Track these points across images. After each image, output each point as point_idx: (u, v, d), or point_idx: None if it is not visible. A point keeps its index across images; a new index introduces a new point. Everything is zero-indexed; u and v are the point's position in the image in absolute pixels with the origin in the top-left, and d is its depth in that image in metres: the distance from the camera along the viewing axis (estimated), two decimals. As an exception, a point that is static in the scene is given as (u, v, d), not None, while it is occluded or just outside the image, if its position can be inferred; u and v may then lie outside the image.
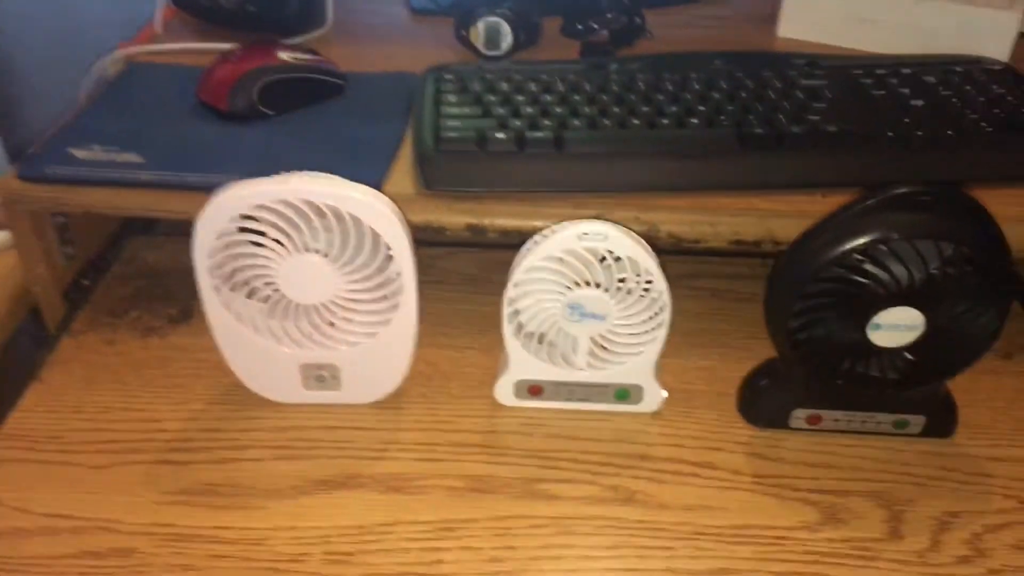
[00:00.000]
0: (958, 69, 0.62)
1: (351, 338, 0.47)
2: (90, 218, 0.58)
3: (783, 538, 0.43)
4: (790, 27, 0.73)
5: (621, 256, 0.44)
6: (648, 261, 0.44)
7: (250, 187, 0.42)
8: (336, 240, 0.44)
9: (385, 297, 0.46)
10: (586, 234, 0.44)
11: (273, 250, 0.44)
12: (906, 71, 0.61)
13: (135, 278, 0.59)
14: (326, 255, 0.44)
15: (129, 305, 0.57)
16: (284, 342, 0.47)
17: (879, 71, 0.61)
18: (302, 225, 0.43)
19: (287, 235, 0.43)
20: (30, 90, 1.01)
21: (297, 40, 0.70)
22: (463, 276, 0.61)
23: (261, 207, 0.43)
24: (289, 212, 0.43)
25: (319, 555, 0.42)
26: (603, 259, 0.45)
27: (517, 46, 0.69)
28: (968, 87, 0.59)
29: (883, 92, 0.59)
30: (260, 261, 0.44)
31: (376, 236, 0.44)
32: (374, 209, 0.43)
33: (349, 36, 0.73)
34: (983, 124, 0.55)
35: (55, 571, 0.41)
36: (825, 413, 0.48)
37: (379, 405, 0.50)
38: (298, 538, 0.43)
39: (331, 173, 0.44)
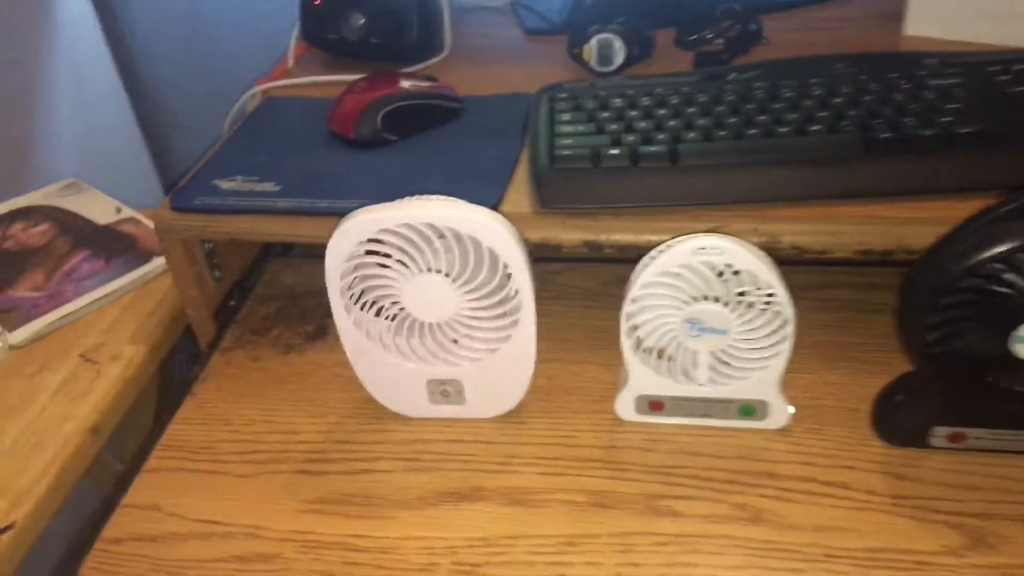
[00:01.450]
0: (1108, 58, 0.57)
1: (473, 354, 0.49)
2: (234, 243, 0.63)
3: (924, 564, 0.41)
4: (917, 25, 0.69)
5: (740, 269, 0.44)
6: (768, 273, 0.43)
7: (375, 212, 0.44)
8: (456, 260, 0.45)
9: (504, 314, 0.47)
10: (703, 248, 0.44)
11: (398, 271, 0.46)
12: (1049, 64, 0.57)
13: (276, 299, 0.63)
14: (447, 275, 0.46)
15: (271, 324, 0.61)
16: (411, 358, 0.49)
17: (1017, 67, 0.57)
18: (424, 247, 0.45)
19: (410, 256, 0.45)
20: (180, 127, 1.10)
21: (418, 67, 0.73)
22: (581, 291, 0.61)
23: (386, 231, 0.45)
24: (411, 235, 0.45)
25: (447, 565, 0.43)
26: (721, 273, 0.44)
27: (630, 61, 0.69)
28: (1121, 77, 0.55)
29: (1021, 89, 0.55)
30: (386, 282, 0.46)
31: (494, 255, 0.45)
32: (491, 229, 0.44)
33: (466, 61, 0.75)
34: None
35: (206, 573, 0.44)
36: (968, 431, 0.45)
37: (501, 419, 0.51)
38: (427, 548, 0.44)
39: (451, 194, 0.45)
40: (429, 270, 0.46)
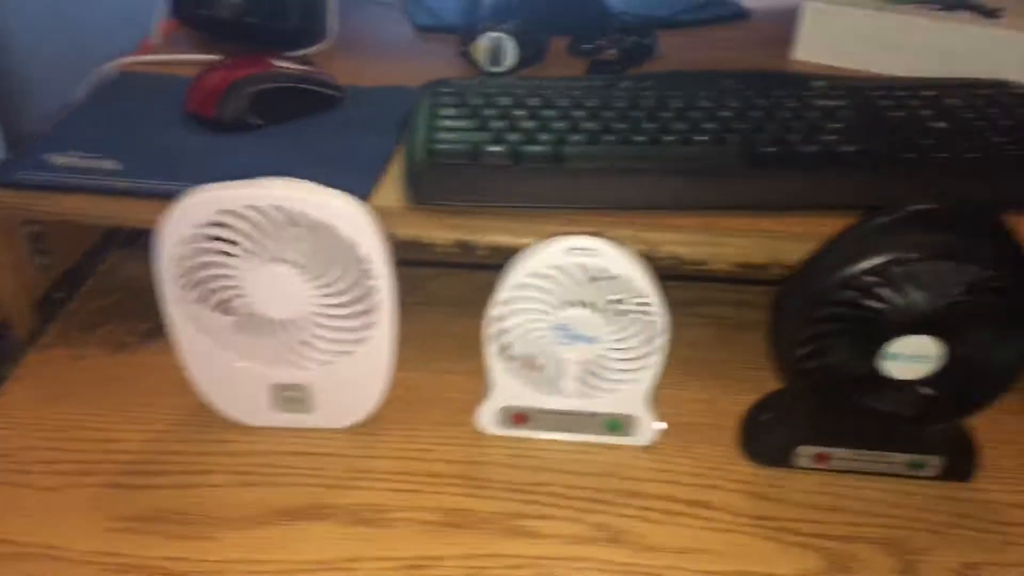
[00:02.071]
0: (982, 92, 0.59)
1: (323, 357, 0.44)
2: (69, 228, 0.56)
3: (783, 588, 0.39)
4: (807, 50, 0.70)
5: (614, 274, 0.41)
6: (644, 280, 0.41)
7: (217, 191, 0.40)
8: (309, 251, 0.41)
9: (360, 314, 0.43)
10: (576, 249, 0.41)
11: (242, 259, 0.41)
12: (927, 93, 0.58)
13: (112, 292, 0.57)
14: (298, 266, 0.41)
15: (102, 319, 0.54)
16: (253, 359, 0.44)
17: (899, 93, 0.58)
18: (272, 233, 0.40)
19: (256, 243, 0.41)
20: (35, 104, 1.01)
21: (296, 54, 0.68)
22: (452, 298, 0.58)
23: (228, 213, 0.40)
24: (258, 218, 0.40)
25: (275, 591, 0.38)
26: (595, 277, 0.41)
27: (522, 64, 0.66)
28: (993, 109, 0.56)
29: (903, 114, 0.56)
30: (228, 271, 0.41)
31: (352, 247, 0.41)
32: (350, 218, 0.40)
33: (351, 51, 0.71)
34: (1010, 147, 0.52)
35: (-10, 600, 0.38)
36: (833, 451, 0.44)
37: (353, 430, 0.47)
38: (255, 572, 0.39)
39: (316, 184, 0.41)
40: (277, 260, 0.41)
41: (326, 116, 0.59)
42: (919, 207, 0.39)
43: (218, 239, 0.41)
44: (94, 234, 0.61)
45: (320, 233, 0.41)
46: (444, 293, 0.58)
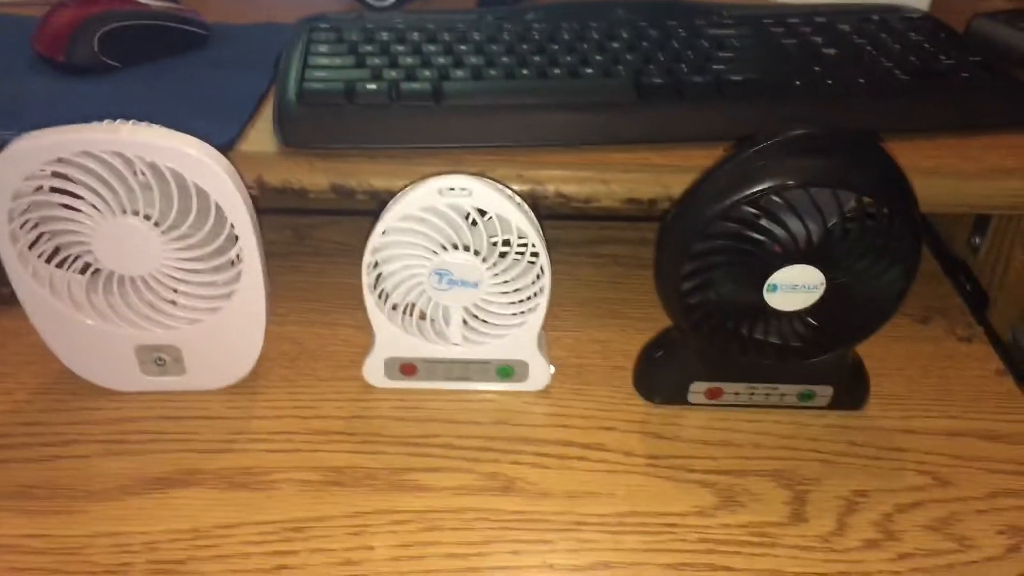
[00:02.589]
0: (875, 18, 0.58)
1: (190, 315, 0.41)
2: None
3: (673, 525, 0.39)
4: (703, -22, 0.68)
5: (491, 214, 0.39)
6: (521, 220, 0.39)
7: (45, 138, 0.36)
8: (157, 200, 0.38)
9: (223, 267, 0.40)
10: (449, 189, 0.39)
11: (85, 213, 0.38)
12: (820, 20, 0.57)
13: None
14: (147, 217, 0.38)
15: (-45, 285, 0.50)
16: (112, 320, 0.41)
17: (791, 20, 0.57)
18: (114, 183, 0.37)
19: (98, 195, 0.37)
20: None
21: (161, -11, 0.63)
22: (340, 246, 0.55)
23: (63, 161, 0.36)
24: (97, 167, 0.37)
25: (142, 564, 0.36)
26: (471, 219, 0.39)
27: (407, -4, 0.63)
28: (884, 35, 0.55)
29: (794, 41, 0.55)
30: (70, 226, 0.38)
31: (204, 195, 0.38)
32: (196, 162, 0.37)
33: (225, -14, 0.66)
34: (897, 72, 0.51)
35: None
36: (725, 386, 0.44)
37: (232, 391, 0.44)
38: (120, 545, 0.37)
39: (179, 130, 0.37)
40: (124, 212, 0.38)
41: (190, 56, 0.55)
42: (795, 132, 0.37)
43: (58, 191, 0.37)
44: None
45: (168, 182, 0.37)
46: (331, 241, 0.55)
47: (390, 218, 0.39)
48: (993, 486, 0.41)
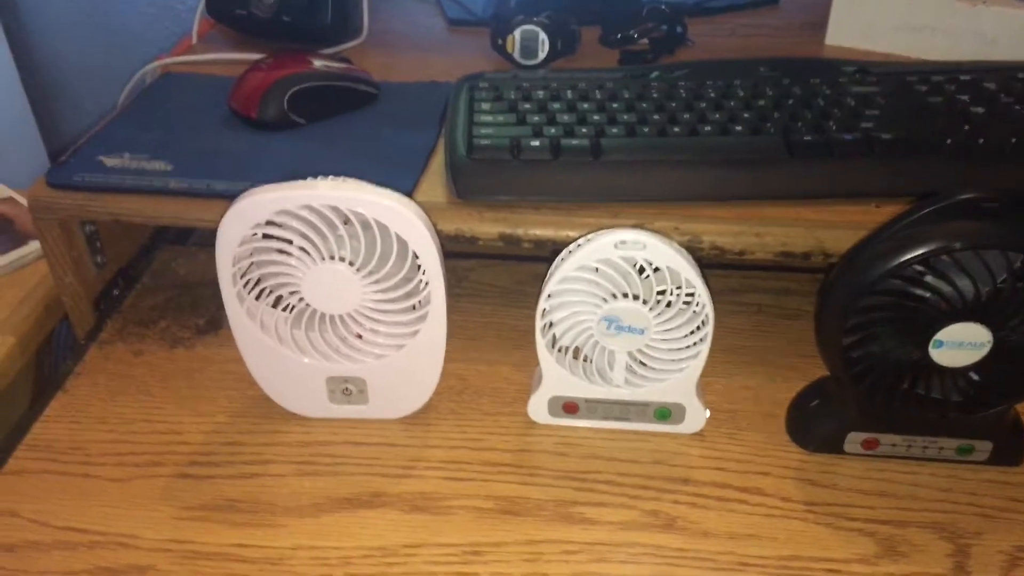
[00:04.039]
0: (1020, 76, 0.58)
1: (377, 350, 0.45)
2: (121, 227, 0.58)
3: (836, 572, 0.40)
4: (839, 35, 0.70)
5: (660, 266, 0.42)
6: (689, 271, 0.42)
7: (273, 192, 0.41)
8: (362, 248, 0.42)
9: (412, 308, 0.44)
10: (623, 242, 0.42)
11: (298, 258, 0.42)
12: (964, 78, 0.58)
13: (165, 288, 0.58)
14: (352, 264, 0.42)
15: (158, 315, 0.56)
16: (309, 354, 0.46)
17: (935, 78, 0.58)
18: (327, 232, 0.41)
19: (311, 242, 0.42)
20: (73, 106, 1.03)
21: (332, 51, 0.69)
22: (496, 289, 0.59)
23: (284, 212, 0.41)
24: (313, 218, 0.41)
25: (340, 577, 0.40)
26: (641, 270, 0.42)
27: (554, 55, 0.67)
28: (1033, 94, 0.56)
29: (940, 99, 0.56)
30: (284, 269, 0.43)
31: (403, 244, 0.42)
32: (401, 215, 0.41)
33: (384, 47, 0.72)
34: (1052, 131, 0.52)
35: (70, 587, 0.39)
36: (882, 437, 0.45)
37: (407, 421, 0.48)
38: (319, 558, 0.41)
39: (366, 182, 0.42)
40: (332, 258, 0.42)
41: (363, 113, 0.60)
42: (964, 196, 0.39)
43: (273, 237, 0.42)
44: (144, 232, 0.62)
45: (373, 231, 0.42)
46: (488, 284, 0.59)
47: (567, 268, 0.42)
48: None
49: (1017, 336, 0.39)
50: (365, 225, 0.41)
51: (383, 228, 0.41)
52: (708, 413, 0.47)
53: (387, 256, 0.42)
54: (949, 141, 0.51)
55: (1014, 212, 0.39)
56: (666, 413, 0.47)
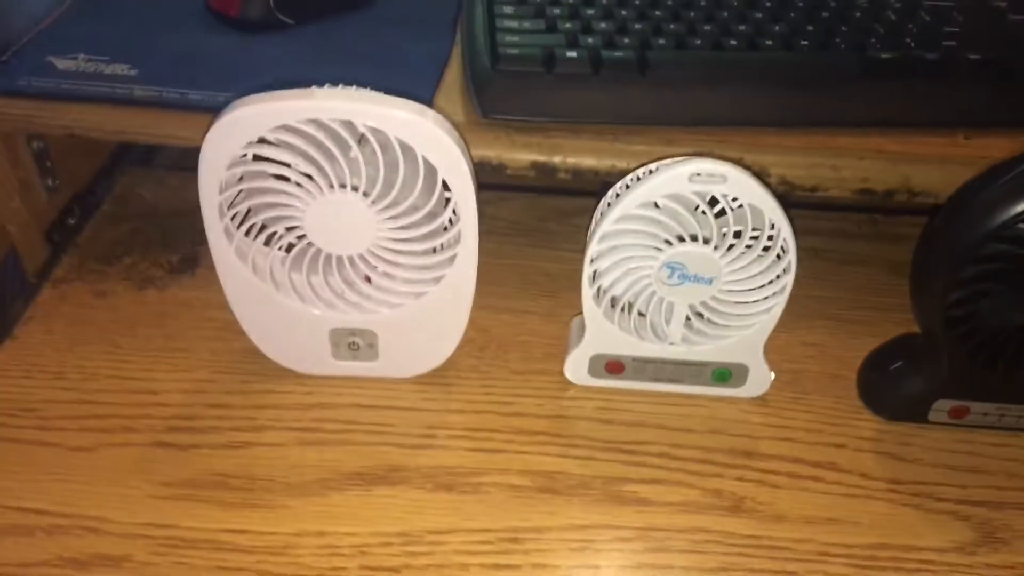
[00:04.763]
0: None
1: (393, 299, 0.38)
2: (75, 143, 0.49)
3: (930, 562, 0.35)
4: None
5: (743, 203, 0.35)
6: (776, 211, 0.35)
7: (270, 103, 0.33)
8: (380, 174, 0.34)
9: (437, 249, 0.37)
10: (698, 175, 0.34)
11: (300, 185, 0.34)
12: (1047, -9, 0.51)
13: (130, 218, 0.50)
14: (366, 193, 0.35)
15: (123, 250, 0.48)
16: (311, 301, 0.38)
17: (1013, -10, 0.51)
18: (337, 153, 0.34)
19: (317, 166, 0.34)
20: None
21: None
22: (517, 226, 0.51)
23: (284, 128, 0.33)
24: (320, 136, 0.33)
25: (355, 571, 0.34)
26: (716, 207, 0.35)
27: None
28: None
29: (1022, 17, 0.49)
30: (283, 199, 0.35)
31: (431, 170, 0.34)
32: (431, 135, 0.33)
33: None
34: None
35: (26, 581, 0.33)
36: (974, 405, 0.39)
37: (423, 380, 0.41)
38: (329, 547, 0.34)
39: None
40: (343, 186, 0.35)
41: (362, 14, 0.51)
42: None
43: (269, 160, 0.34)
44: (103, 151, 0.53)
45: (393, 153, 0.34)
46: (507, 220, 0.52)
47: (628, 204, 0.35)
48: None
49: None
50: (384, 146, 0.34)
51: (407, 150, 0.34)
52: (773, 376, 0.41)
53: (410, 185, 0.35)
54: (1045, 65, 0.44)
55: None
56: (726, 375, 0.40)
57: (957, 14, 0.49)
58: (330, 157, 0.34)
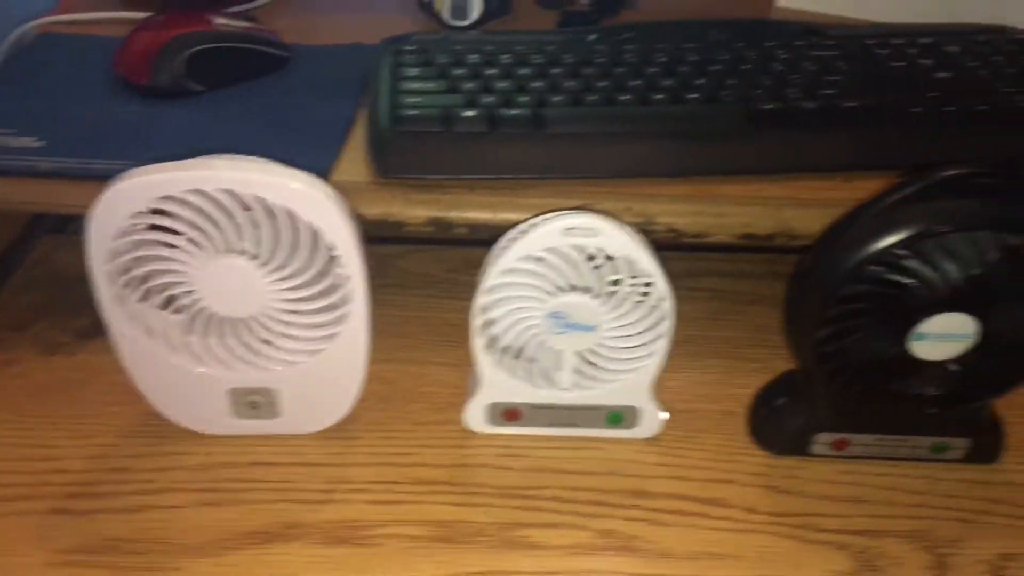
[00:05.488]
0: (982, 39, 0.55)
1: (289, 357, 0.39)
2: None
3: (811, 592, 0.36)
4: (789, -3, 0.66)
5: (614, 255, 0.37)
6: (647, 260, 0.37)
7: (156, 174, 0.34)
8: (265, 239, 0.36)
9: (329, 307, 0.38)
10: (573, 228, 0.36)
11: (188, 251, 0.35)
12: (925, 40, 0.54)
13: (42, 285, 0.51)
14: (255, 257, 0.36)
15: (32, 317, 0.48)
16: (207, 362, 0.39)
17: (895, 40, 0.54)
18: (222, 220, 0.35)
19: (204, 233, 0.35)
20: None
21: (235, 9, 0.61)
22: (426, 278, 0.53)
23: (170, 199, 0.34)
24: (205, 205, 0.34)
25: (247, 629, 0.34)
26: (592, 258, 0.37)
27: (487, 16, 0.61)
28: (996, 57, 0.52)
29: (903, 64, 0.52)
30: (173, 265, 0.36)
31: (316, 233, 0.36)
32: (311, 200, 0.35)
33: (296, 5, 0.64)
34: (1020, 98, 0.48)
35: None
36: (853, 437, 0.41)
37: (326, 435, 0.42)
38: (222, 606, 0.35)
39: (269, 158, 0.35)
40: (230, 251, 0.36)
41: (272, 79, 0.53)
42: (952, 172, 0.35)
43: (159, 228, 0.35)
44: (17, 220, 0.54)
45: (278, 219, 0.35)
46: (416, 273, 0.53)
47: (509, 258, 0.37)
48: None
49: (1005, 326, 0.35)
50: (269, 212, 0.35)
51: (291, 215, 0.35)
52: (665, 415, 0.42)
53: (297, 248, 0.36)
54: (917, 109, 0.47)
55: (1001, 188, 0.35)
56: (619, 417, 0.42)
57: (842, 63, 0.51)
58: (215, 224, 0.35)
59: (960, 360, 0.37)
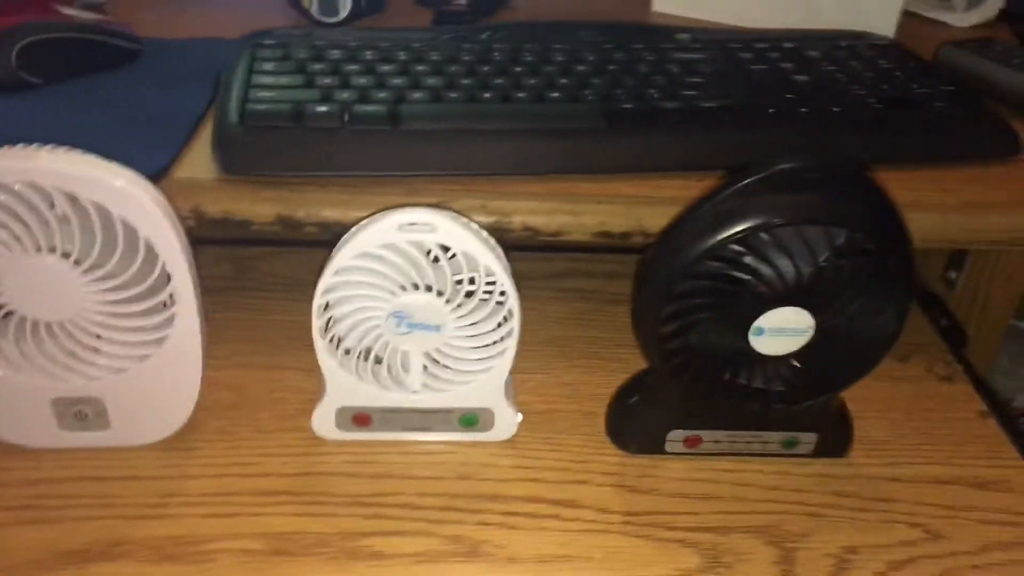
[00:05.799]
0: (843, 44, 0.57)
1: (114, 363, 0.37)
2: None
3: (656, 591, 0.36)
4: (665, 2, 0.67)
5: (455, 252, 0.36)
6: (488, 257, 0.36)
7: (-53, 166, 0.31)
8: (77, 237, 0.33)
9: (153, 310, 0.36)
10: (409, 224, 0.35)
11: (-7, 250, 0.33)
12: (788, 45, 0.56)
13: None
14: (65, 255, 0.33)
15: None
16: (24, 370, 0.36)
17: (759, 45, 0.56)
18: (28, 217, 0.32)
19: (9, 231, 0.32)
20: None
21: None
22: (284, 281, 0.51)
23: (-34, 193, 0.32)
24: (9, 200, 0.32)
25: (55, 657, 0.31)
26: (434, 256, 0.36)
27: (358, 12, 0.60)
28: (854, 62, 0.54)
29: (764, 67, 0.53)
30: (-25, 266, 0.33)
31: (131, 230, 0.34)
32: (124, 196, 0.33)
33: (158, -1, 0.61)
34: (872, 101, 0.50)
35: None
36: (704, 434, 0.41)
37: (163, 446, 0.40)
38: (29, 634, 0.32)
39: (105, 154, 0.33)
40: (40, 249, 0.33)
41: (120, 73, 0.50)
42: (782, 167, 0.35)
43: (-37, 226, 0.33)
44: None
45: (90, 215, 0.33)
46: (276, 275, 0.51)
47: (344, 256, 0.35)
48: (986, 538, 0.38)
49: (840, 320, 0.36)
50: (78, 208, 0.33)
51: (103, 212, 0.33)
52: (520, 417, 0.41)
53: (111, 246, 0.34)
54: (772, 110, 0.48)
55: (836, 183, 0.35)
56: (472, 420, 0.41)
57: (705, 66, 0.52)
58: (20, 221, 0.32)
59: (800, 355, 0.37)
